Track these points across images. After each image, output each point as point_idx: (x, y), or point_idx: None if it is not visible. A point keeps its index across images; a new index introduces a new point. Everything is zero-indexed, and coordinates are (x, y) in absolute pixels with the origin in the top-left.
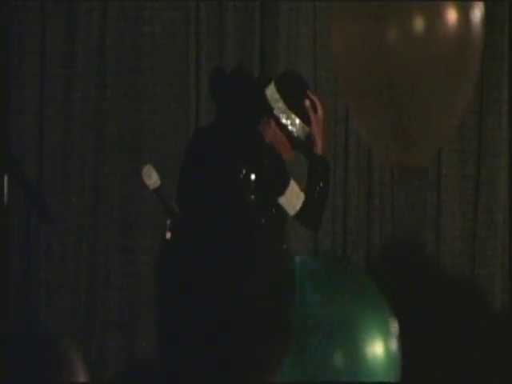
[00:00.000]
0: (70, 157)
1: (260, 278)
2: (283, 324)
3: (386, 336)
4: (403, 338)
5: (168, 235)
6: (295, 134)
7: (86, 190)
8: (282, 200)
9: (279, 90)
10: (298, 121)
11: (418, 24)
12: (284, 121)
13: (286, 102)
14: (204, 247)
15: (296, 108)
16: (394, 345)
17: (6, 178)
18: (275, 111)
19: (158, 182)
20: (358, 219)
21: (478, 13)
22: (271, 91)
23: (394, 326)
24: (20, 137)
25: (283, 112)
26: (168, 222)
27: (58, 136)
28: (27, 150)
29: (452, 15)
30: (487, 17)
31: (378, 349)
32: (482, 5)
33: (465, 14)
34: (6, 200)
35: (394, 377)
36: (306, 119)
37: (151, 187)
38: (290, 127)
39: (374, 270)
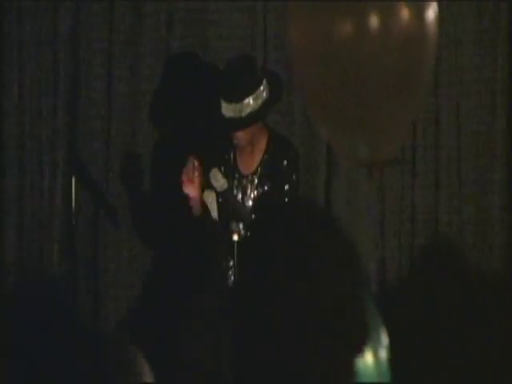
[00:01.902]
0: None
1: (335, 278)
2: (360, 324)
3: (375, 345)
4: (393, 347)
5: (235, 237)
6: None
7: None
8: None
9: None
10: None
11: (373, 21)
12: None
13: None
14: (278, 248)
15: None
16: (383, 354)
17: (73, 181)
18: None
19: (226, 185)
20: None
21: (432, 12)
22: None
23: (385, 335)
24: (87, 139)
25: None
26: (233, 225)
27: (125, 138)
28: (94, 153)
29: (406, 13)
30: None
31: (368, 358)
32: (435, 5)
33: (419, 13)
34: (73, 202)
35: None
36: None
37: (218, 189)
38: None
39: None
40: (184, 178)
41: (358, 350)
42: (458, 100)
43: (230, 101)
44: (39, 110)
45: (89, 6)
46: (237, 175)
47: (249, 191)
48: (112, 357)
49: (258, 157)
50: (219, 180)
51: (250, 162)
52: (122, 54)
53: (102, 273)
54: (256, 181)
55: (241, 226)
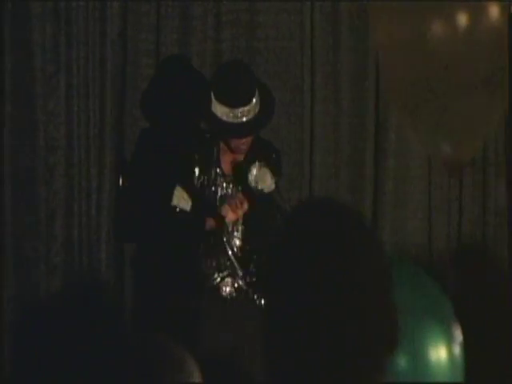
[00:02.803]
0: None
1: (372, 278)
2: (391, 323)
3: (449, 340)
4: (467, 343)
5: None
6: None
7: None
8: None
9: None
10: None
11: (462, 21)
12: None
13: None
14: (318, 247)
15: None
16: (457, 349)
17: (120, 181)
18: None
19: (273, 186)
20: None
21: None
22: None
23: (458, 330)
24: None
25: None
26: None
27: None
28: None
29: (493, 12)
30: None
31: (441, 353)
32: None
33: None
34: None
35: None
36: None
37: (266, 190)
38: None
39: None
40: (231, 207)
41: (390, 351)
42: None
43: (237, 105)
44: (86, 110)
45: (137, 7)
46: (219, 174)
47: (228, 190)
48: (163, 356)
49: (240, 157)
50: (267, 180)
51: (232, 161)
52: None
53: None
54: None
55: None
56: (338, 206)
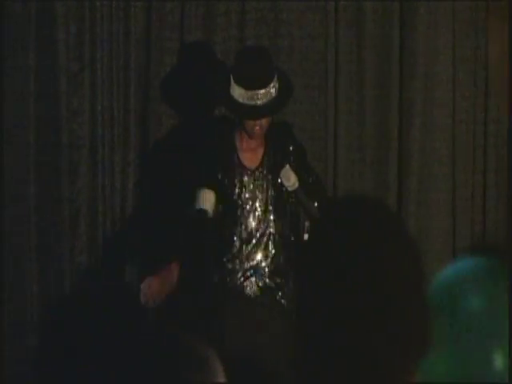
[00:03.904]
0: None
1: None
2: (422, 323)
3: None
4: None
5: (306, 236)
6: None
7: None
8: None
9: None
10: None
11: None
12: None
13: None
14: (337, 249)
15: None
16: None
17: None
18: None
19: (296, 184)
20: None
21: None
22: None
23: None
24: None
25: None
26: (306, 224)
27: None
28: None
29: None
30: None
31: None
32: None
33: None
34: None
35: None
36: None
37: (290, 189)
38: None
39: None
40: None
41: (419, 353)
42: None
43: (253, 87)
44: (110, 109)
45: (161, 6)
46: (239, 169)
47: (253, 185)
48: (187, 355)
49: (260, 150)
50: (291, 179)
51: (254, 156)
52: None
53: None
54: (264, 173)
55: (306, 224)
56: (372, 201)
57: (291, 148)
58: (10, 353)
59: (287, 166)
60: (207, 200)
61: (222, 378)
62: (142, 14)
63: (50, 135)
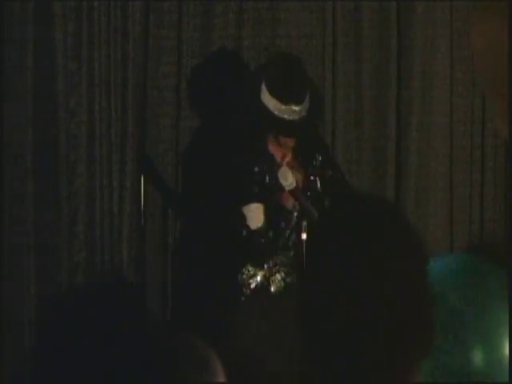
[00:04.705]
0: None
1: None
2: (425, 323)
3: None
4: None
5: (304, 236)
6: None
7: None
8: None
9: None
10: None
11: None
12: None
13: None
14: (342, 247)
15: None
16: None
17: (142, 180)
18: None
19: (294, 184)
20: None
21: None
22: None
23: None
24: (156, 138)
25: None
26: (304, 223)
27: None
28: (163, 151)
29: None
30: None
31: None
32: None
33: None
34: (142, 201)
35: None
36: None
37: (287, 188)
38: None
39: None
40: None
41: (424, 351)
42: None
43: (291, 102)
44: (108, 108)
45: (158, 5)
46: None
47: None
48: (187, 354)
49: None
50: (288, 179)
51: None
52: (191, 52)
53: (171, 273)
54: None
55: (304, 223)
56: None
57: (319, 158)
58: (9, 353)
59: (285, 166)
60: (259, 217)
61: (222, 378)
62: (140, 13)
63: (47, 134)
